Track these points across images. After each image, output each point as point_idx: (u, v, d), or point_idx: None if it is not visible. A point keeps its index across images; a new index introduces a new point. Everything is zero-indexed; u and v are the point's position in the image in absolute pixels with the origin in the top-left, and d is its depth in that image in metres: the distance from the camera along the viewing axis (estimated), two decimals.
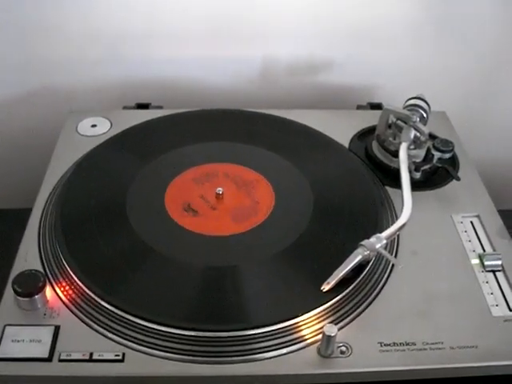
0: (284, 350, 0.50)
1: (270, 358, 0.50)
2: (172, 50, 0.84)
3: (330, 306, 0.53)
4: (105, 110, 0.78)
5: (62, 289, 0.54)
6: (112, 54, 0.83)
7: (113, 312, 0.52)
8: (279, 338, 0.51)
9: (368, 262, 0.56)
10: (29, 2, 0.77)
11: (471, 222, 0.64)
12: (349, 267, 0.54)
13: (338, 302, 0.53)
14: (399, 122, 0.68)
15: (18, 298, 0.52)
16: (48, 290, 0.53)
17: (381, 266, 0.57)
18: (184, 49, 0.84)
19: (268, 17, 0.81)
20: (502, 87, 0.90)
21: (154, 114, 0.76)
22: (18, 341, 0.50)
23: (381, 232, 0.56)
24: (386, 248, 0.56)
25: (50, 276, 0.55)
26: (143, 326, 0.51)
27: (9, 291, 0.53)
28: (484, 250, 0.61)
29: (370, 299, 0.55)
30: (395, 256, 0.59)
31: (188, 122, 0.75)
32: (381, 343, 0.51)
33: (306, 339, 0.51)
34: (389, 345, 0.51)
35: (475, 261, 0.59)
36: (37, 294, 0.52)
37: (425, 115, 0.69)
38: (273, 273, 0.56)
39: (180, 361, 0.49)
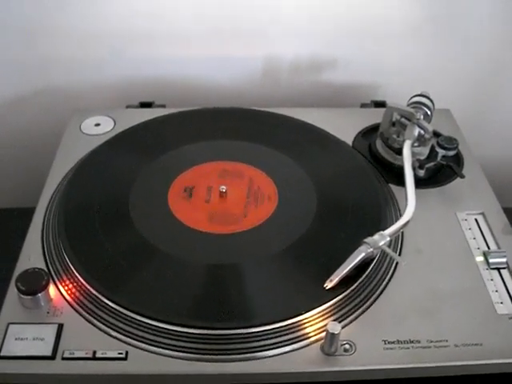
0: (287, 348, 0.50)
1: (274, 355, 0.50)
2: (175, 49, 0.84)
3: (334, 303, 0.53)
4: (108, 109, 0.78)
5: (66, 287, 0.54)
6: (114, 54, 0.83)
7: (116, 310, 0.52)
8: (282, 335, 0.51)
9: (372, 260, 0.56)
10: (31, 2, 0.77)
11: (476, 220, 0.64)
12: (352, 265, 0.54)
13: (341, 299, 0.53)
14: (403, 119, 0.68)
15: (22, 296, 0.52)
16: (51, 289, 0.53)
17: (385, 264, 0.57)
18: (187, 48, 0.84)
19: (270, 16, 0.81)
20: (506, 84, 0.90)
21: (157, 113, 0.76)
22: (22, 339, 0.50)
23: (384, 229, 0.56)
24: (389, 246, 0.56)
25: (53, 274, 0.55)
26: (146, 323, 0.51)
27: (12, 289, 0.53)
28: (488, 248, 0.60)
29: (374, 297, 0.54)
30: (399, 254, 0.59)
31: (191, 120, 0.75)
32: (385, 341, 0.51)
33: (310, 337, 0.51)
34: (393, 342, 0.51)
35: (480, 258, 0.59)
36: (40, 292, 0.52)
37: (429, 113, 0.69)
38: (276, 270, 0.56)
39: (183, 359, 0.49)
